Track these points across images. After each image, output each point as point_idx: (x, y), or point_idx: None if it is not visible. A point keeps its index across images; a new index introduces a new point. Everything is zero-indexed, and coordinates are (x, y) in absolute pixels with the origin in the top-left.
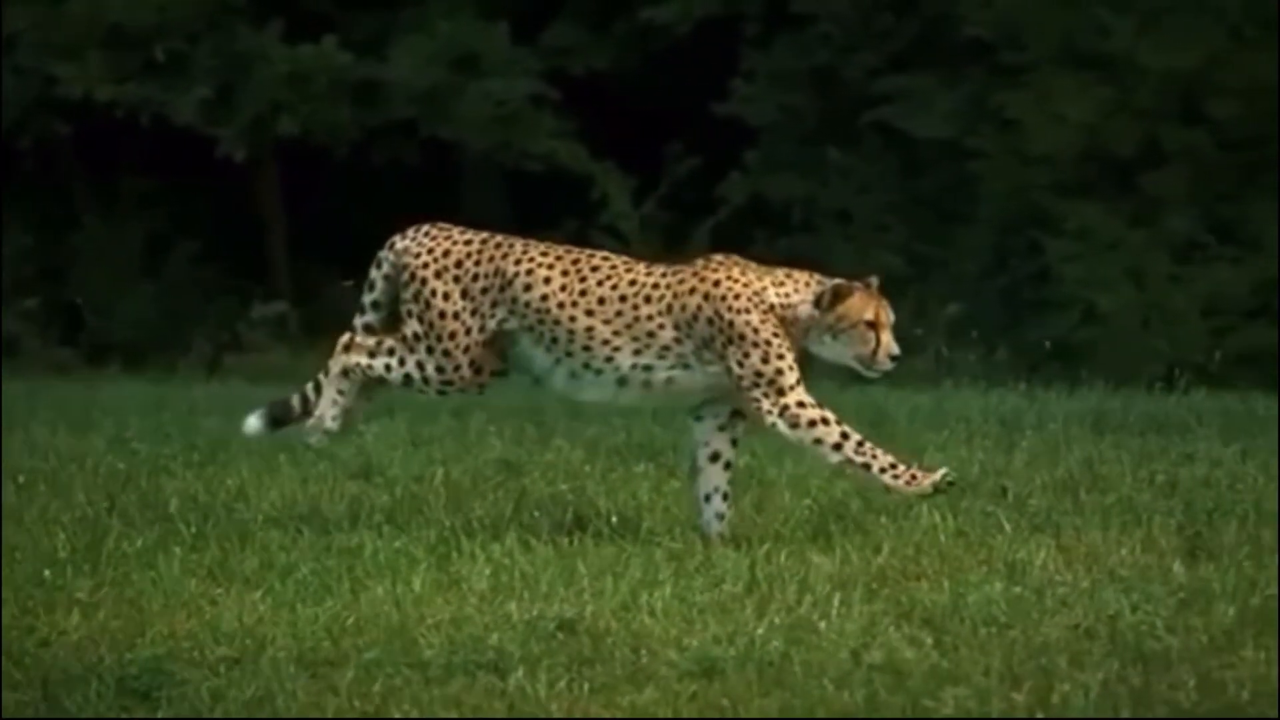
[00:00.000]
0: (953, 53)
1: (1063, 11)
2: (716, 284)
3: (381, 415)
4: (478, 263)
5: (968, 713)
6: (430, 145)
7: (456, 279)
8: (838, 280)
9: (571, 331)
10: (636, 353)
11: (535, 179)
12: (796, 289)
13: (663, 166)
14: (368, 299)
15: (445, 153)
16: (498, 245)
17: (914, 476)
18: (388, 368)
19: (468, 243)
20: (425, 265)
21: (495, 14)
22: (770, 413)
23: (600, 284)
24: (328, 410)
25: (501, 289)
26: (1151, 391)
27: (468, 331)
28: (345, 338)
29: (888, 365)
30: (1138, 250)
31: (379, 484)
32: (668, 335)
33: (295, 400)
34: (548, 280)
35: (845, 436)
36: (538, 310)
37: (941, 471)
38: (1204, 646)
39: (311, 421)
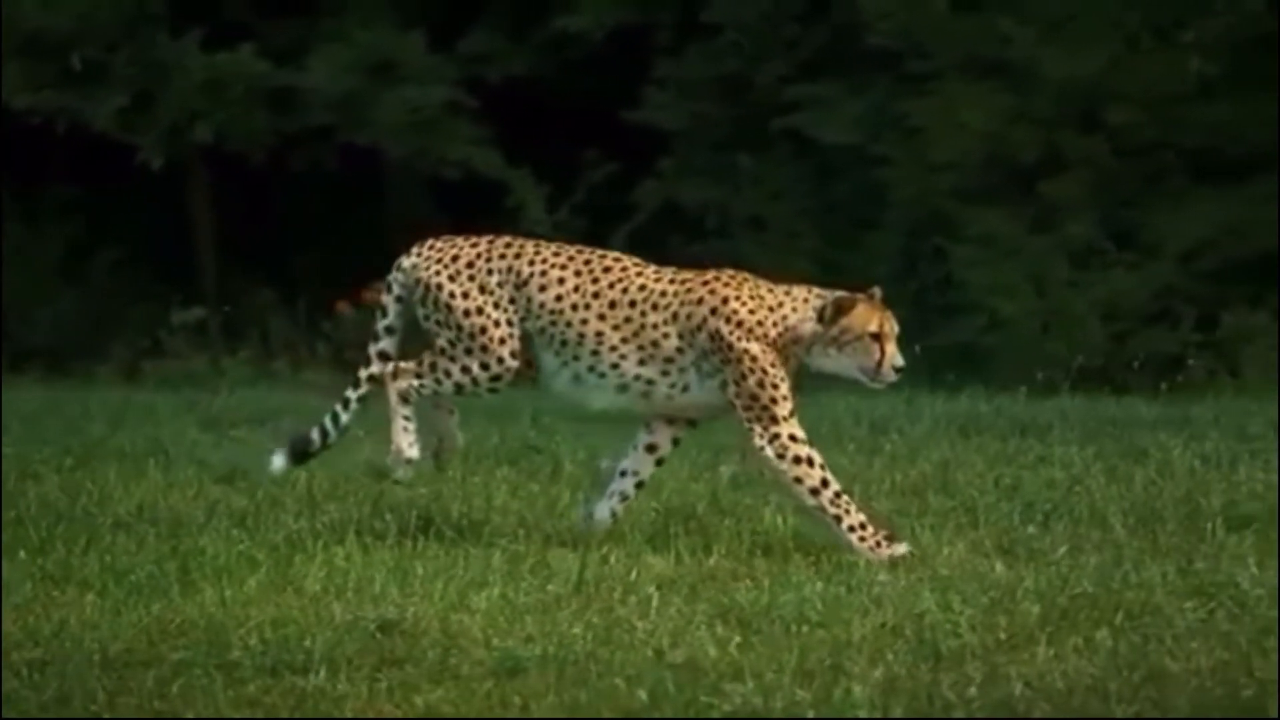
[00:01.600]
0: (860, 61)
1: (966, 21)
2: (725, 301)
3: (253, 421)
4: (489, 260)
5: (751, 710)
6: (353, 151)
7: (471, 278)
8: (840, 293)
9: (582, 334)
10: (641, 363)
11: (460, 184)
12: (795, 308)
13: (579, 173)
14: (381, 324)
15: (368, 159)
16: (507, 245)
17: (879, 544)
18: (438, 382)
19: (474, 245)
20: (437, 273)
21: (412, 22)
22: (761, 437)
23: (612, 286)
24: (402, 440)
25: (518, 287)
26: (1030, 395)
27: (496, 324)
28: (390, 367)
29: (893, 377)
30: (1038, 256)
31: (242, 488)
32: (671, 345)
33: (315, 433)
34: (562, 281)
35: (825, 484)
36: (552, 311)
37: (904, 548)
38: (1000, 644)
39: (391, 458)
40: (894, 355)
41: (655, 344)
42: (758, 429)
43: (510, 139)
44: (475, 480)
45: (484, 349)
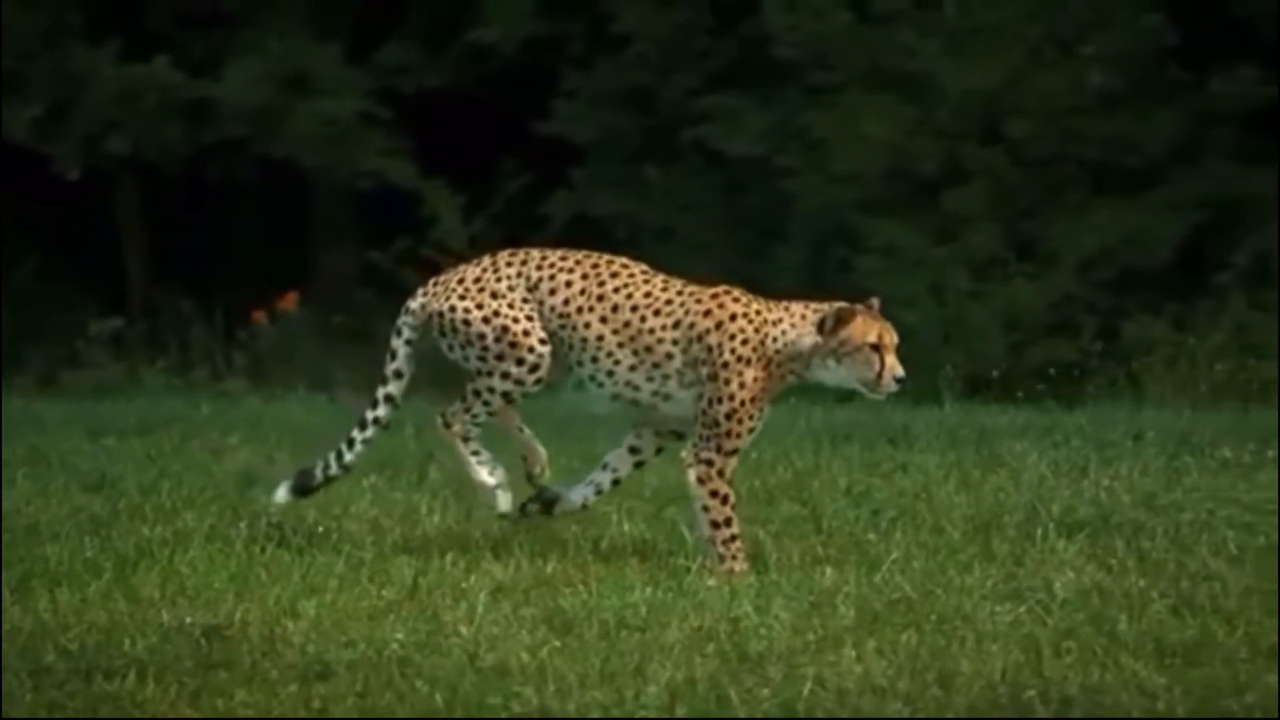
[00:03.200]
0: (767, 73)
1: (870, 33)
2: (733, 318)
3: (129, 432)
4: (495, 270)
5: (541, 711)
6: (277, 162)
7: (480, 289)
8: (840, 304)
9: (584, 339)
10: (632, 369)
11: (383, 195)
12: (794, 324)
13: (495, 183)
14: (390, 369)
15: (292, 169)
16: (512, 254)
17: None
18: (486, 403)
19: (477, 264)
20: (446, 298)
21: (329, 35)
22: (695, 454)
23: (616, 291)
24: (480, 474)
25: (529, 290)
26: (914, 404)
27: (516, 320)
28: (439, 421)
29: (893, 387)
30: (940, 267)
31: (109, 496)
32: (662, 350)
33: (319, 470)
34: (569, 284)
35: (727, 523)
36: (560, 315)
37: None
38: (806, 646)
39: (482, 497)
40: (894, 366)
41: (649, 349)
42: (701, 445)
43: (426, 150)
44: (340, 488)
45: (513, 345)
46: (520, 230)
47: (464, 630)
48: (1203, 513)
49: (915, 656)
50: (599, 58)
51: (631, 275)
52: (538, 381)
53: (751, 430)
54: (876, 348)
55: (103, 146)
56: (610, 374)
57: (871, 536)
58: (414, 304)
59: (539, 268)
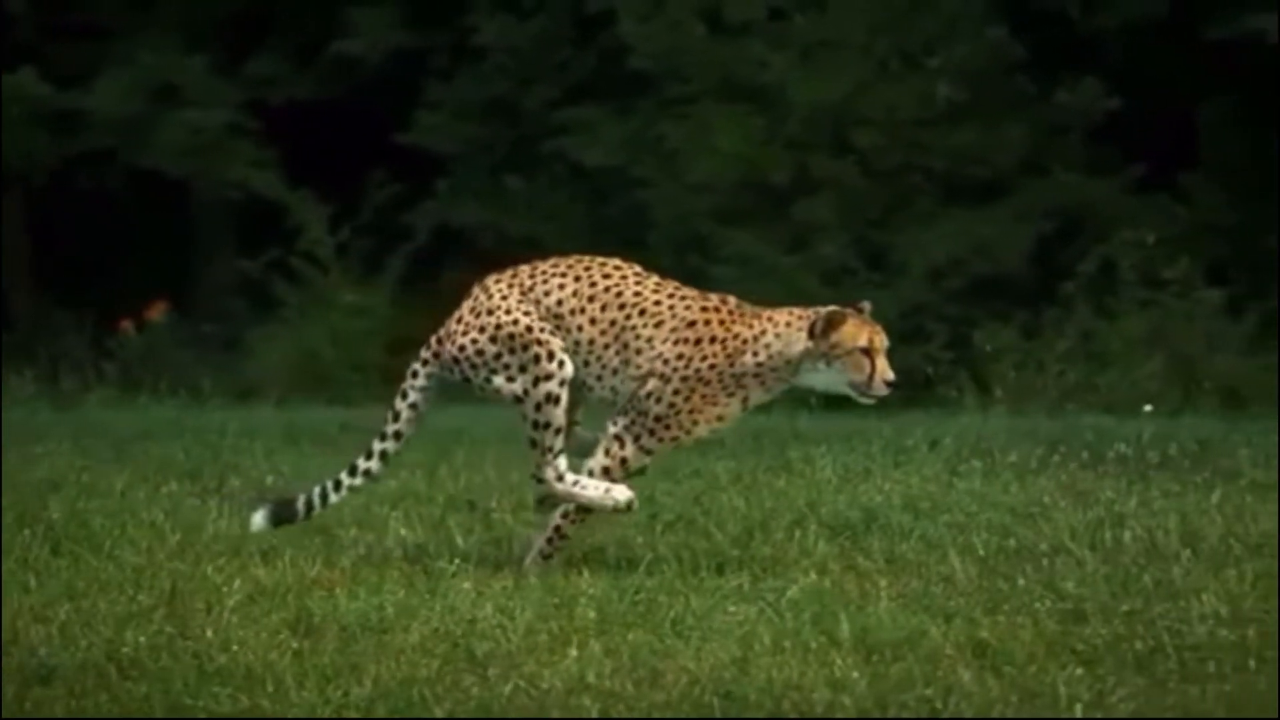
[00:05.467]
0: (623, 85)
1: (723, 46)
2: (712, 339)
3: None
4: (485, 291)
5: (249, 711)
6: (149, 173)
7: (477, 315)
8: (830, 308)
9: (577, 342)
10: (614, 371)
11: (260, 205)
12: (779, 333)
13: (362, 194)
14: (390, 428)
15: (168, 180)
16: (501, 270)
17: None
18: (546, 425)
19: (468, 297)
20: (454, 342)
21: (198, 46)
22: (617, 434)
23: (606, 291)
24: (588, 493)
25: (523, 292)
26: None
27: (515, 321)
28: (532, 485)
29: (884, 391)
30: (792, 276)
31: None
32: (639, 344)
33: (300, 503)
34: (561, 286)
35: (584, 510)
36: (555, 316)
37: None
38: (536, 647)
39: (604, 507)
40: (884, 370)
41: (626, 345)
42: (622, 425)
43: (294, 161)
44: (139, 494)
45: (524, 346)
46: (387, 240)
47: (210, 634)
48: (963, 516)
49: (634, 657)
50: (461, 69)
51: (624, 276)
52: (562, 364)
53: (675, 441)
54: (867, 351)
55: None
56: (599, 378)
57: (640, 540)
58: (422, 369)
59: (531, 275)
